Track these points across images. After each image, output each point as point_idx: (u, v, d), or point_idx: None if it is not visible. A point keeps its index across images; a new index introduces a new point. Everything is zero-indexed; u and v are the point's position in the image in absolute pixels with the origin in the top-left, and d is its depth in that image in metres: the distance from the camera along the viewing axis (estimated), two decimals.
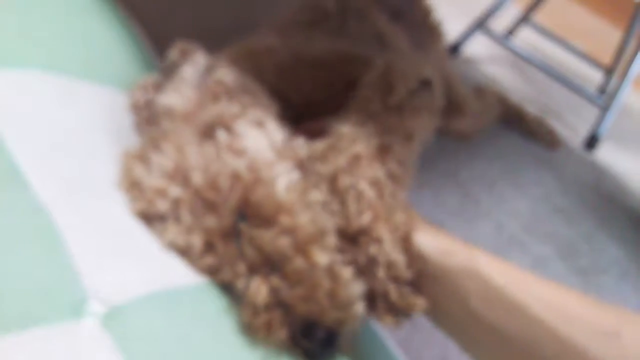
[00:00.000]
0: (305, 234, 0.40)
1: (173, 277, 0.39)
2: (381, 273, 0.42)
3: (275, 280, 0.39)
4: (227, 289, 0.42)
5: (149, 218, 0.42)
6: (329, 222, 0.43)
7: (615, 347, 0.37)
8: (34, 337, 0.30)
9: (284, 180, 0.42)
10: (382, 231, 0.44)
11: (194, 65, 0.49)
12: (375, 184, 0.47)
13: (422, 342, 0.81)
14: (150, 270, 0.39)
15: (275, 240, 0.40)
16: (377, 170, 0.48)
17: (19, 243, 0.34)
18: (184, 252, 0.41)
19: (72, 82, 0.49)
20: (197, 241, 0.40)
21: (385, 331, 0.59)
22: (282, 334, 0.38)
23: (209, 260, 0.41)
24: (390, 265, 0.43)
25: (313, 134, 0.52)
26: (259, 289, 0.39)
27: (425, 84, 0.60)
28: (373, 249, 0.43)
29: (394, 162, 0.51)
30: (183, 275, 0.40)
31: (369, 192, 0.46)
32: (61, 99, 0.46)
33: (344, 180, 0.47)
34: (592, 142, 1.57)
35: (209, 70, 0.49)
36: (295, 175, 0.44)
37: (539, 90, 1.75)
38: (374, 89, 0.57)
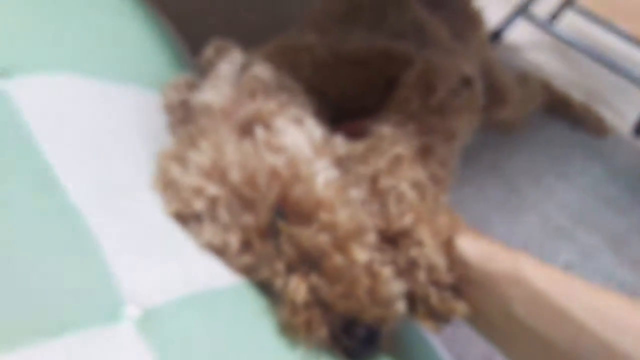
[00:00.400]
0: (344, 230, 0.39)
1: (209, 279, 0.39)
2: (422, 276, 0.41)
3: (315, 278, 0.38)
4: (265, 288, 0.41)
5: (185, 218, 0.41)
6: (369, 220, 0.42)
7: None
8: (71, 343, 0.30)
9: (322, 177, 0.42)
10: (424, 234, 0.42)
11: (230, 63, 0.49)
12: (416, 185, 0.46)
13: (466, 340, 0.79)
14: (186, 271, 0.38)
15: (314, 237, 0.39)
16: (418, 172, 0.47)
17: (53, 247, 0.34)
18: (221, 251, 0.41)
19: (105, 84, 0.49)
20: (234, 240, 0.40)
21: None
22: (322, 332, 0.38)
23: (247, 259, 0.40)
24: (431, 269, 0.41)
25: (352, 135, 0.51)
26: (298, 287, 0.38)
27: (466, 82, 0.58)
28: (414, 252, 0.42)
29: (435, 163, 0.50)
30: (220, 276, 0.39)
31: (411, 194, 0.45)
32: (94, 101, 0.47)
33: (385, 182, 0.46)
34: None
35: (245, 67, 0.49)
36: (333, 172, 0.43)
37: (585, 75, 1.68)
38: (413, 89, 0.56)
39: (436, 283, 0.42)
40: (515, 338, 0.42)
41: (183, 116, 0.52)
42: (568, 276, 0.42)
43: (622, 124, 1.51)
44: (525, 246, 1.01)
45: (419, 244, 0.42)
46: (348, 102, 0.61)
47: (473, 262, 0.43)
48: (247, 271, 0.41)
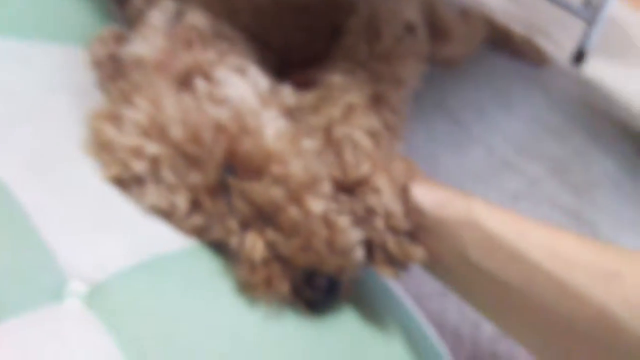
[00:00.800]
0: (298, 182, 0.38)
1: (158, 244, 0.37)
2: (379, 223, 0.41)
3: (271, 233, 0.37)
4: (219, 248, 0.40)
5: (125, 182, 0.39)
6: (323, 170, 0.41)
7: (617, 288, 0.36)
8: (15, 326, 0.29)
9: (272, 128, 0.40)
10: (381, 181, 0.42)
11: (162, 11, 0.45)
12: (371, 133, 0.46)
13: (422, 276, 0.81)
14: (131, 240, 0.36)
15: (267, 191, 0.37)
16: (372, 120, 0.47)
17: None
18: (168, 214, 0.39)
19: (21, 43, 0.45)
20: (181, 201, 0.37)
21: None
22: (283, 287, 0.37)
23: (197, 219, 0.38)
24: (388, 216, 0.41)
25: (300, 85, 0.49)
26: (255, 244, 0.37)
27: (409, 28, 0.57)
28: (371, 199, 0.41)
29: (387, 111, 0.49)
30: (168, 241, 0.38)
31: (366, 142, 0.44)
32: (11, 63, 0.42)
33: (339, 131, 0.45)
34: (579, 57, 1.53)
35: (178, 15, 0.45)
36: (283, 123, 0.41)
37: (523, 8, 1.69)
38: (360, 36, 0.54)
39: (393, 229, 0.41)
40: (472, 282, 0.43)
41: (112, 71, 0.48)
42: (520, 217, 0.42)
43: (561, 53, 1.55)
44: (474, 179, 1.04)
45: (376, 191, 0.41)
46: (293, 52, 0.59)
47: (428, 209, 0.43)
48: (198, 232, 0.39)
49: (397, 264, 0.42)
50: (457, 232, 0.42)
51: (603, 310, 0.36)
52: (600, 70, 1.55)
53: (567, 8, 1.55)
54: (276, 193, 0.37)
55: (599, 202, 1.10)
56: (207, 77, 0.42)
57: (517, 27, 1.48)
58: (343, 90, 0.48)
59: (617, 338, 0.35)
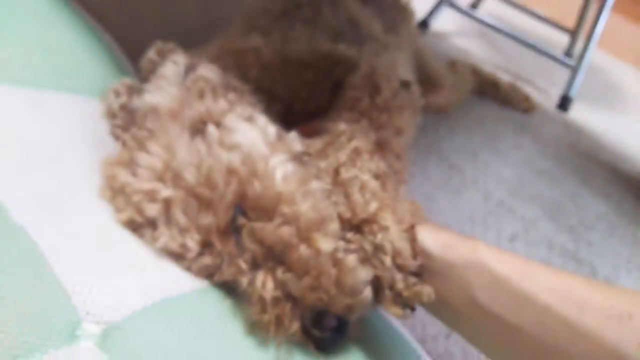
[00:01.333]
0: (307, 221, 0.39)
1: (169, 286, 0.38)
2: (388, 261, 0.42)
3: (281, 273, 0.38)
4: (229, 289, 0.40)
5: (138, 226, 0.40)
6: (331, 209, 0.42)
7: (630, 329, 0.37)
8: None
9: (280, 171, 0.41)
10: (388, 220, 0.43)
11: (175, 64, 0.48)
12: (377, 176, 0.47)
13: (426, 317, 0.81)
14: (144, 281, 0.37)
15: (278, 231, 0.38)
16: (378, 163, 0.49)
17: (3, 270, 0.32)
18: (179, 255, 0.39)
19: (40, 94, 0.47)
20: (192, 242, 0.39)
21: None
22: (293, 326, 0.37)
23: (207, 260, 0.39)
24: (396, 254, 0.42)
25: (307, 135, 0.52)
26: (266, 283, 0.37)
27: (405, 85, 0.62)
28: (379, 237, 0.42)
29: (391, 156, 0.52)
30: (180, 282, 0.38)
31: (373, 183, 0.46)
32: (30, 112, 0.44)
33: (347, 173, 0.46)
34: (564, 103, 1.58)
35: (190, 68, 0.47)
36: (291, 167, 0.43)
37: (509, 58, 1.76)
38: (361, 90, 0.58)
39: (402, 268, 0.42)
40: (480, 325, 0.43)
41: (126, 121, 0.50)
42: (526, 260, 0.43)
43: (547, 100, 1.60)
44: (471, 221, 1.05)
45: (384, 229, 0.42)
46: (298, 103, 0.62)
47: (434, 252, 0.44)
48: (208, 272, 0.40)
49: (405, 303, 0.42)
50: (464, 274, 0.43)
51: (616, 351, 0.36)
52: (585, 114, 1.60)
53: (551, 57, 1.62)
54: (286, 232, 0.38)
55: (595, 242, 1.11)
56: (219, 124, 0.43)
57: (504, 75, 1.54)
58: (349, 136, 0.50)
59: None
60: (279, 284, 0.37)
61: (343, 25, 0.78)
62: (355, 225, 0.43)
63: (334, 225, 0.41)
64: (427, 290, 0.42)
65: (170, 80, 0.46)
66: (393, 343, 0.54)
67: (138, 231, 0.40)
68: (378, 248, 0.42)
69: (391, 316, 0.45)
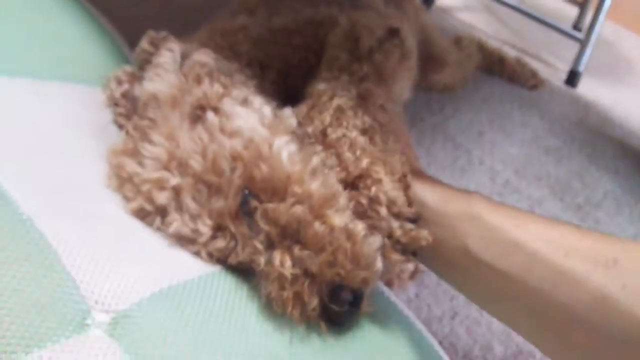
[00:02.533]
0: (318, 199, 0.40)
1: (177, 272, 0.38)
2: (383, 211, 0.43)
3: (298, 250, 0.38)
4: (238, 274, 0.41)
5: (147, 214, 0.40)
6: (338, 184, 0.43)
7: (615, 274, 0.38)
8: (42, 357, 0.29)
9: (285, 153, 0.42)
10: (380, 172, 0.45)
11: (170, 52, 0.48)
12: (364, 131, 0.48)
13: (431, 298, 0.82)
14: (151, 268, 0.37)
15: (291, 210, 0.39)
16: (363, 118, 0.50)
17: (10, 260, 0.32)
18: (191, 240, 0.40)
19: (42, 84, 0.47)
20: (204, 227, 0.39)
21: (394, 291, 0.59)
22: (312, 302, 0.38)
23: (220, 243, 0.40)
24: (391, 203, 0.44)
25: None
26: (284, 261, 0.38)
27: (393, 32, 0.61)
28: (374, 189, 0.44)
29: (375, 108, 0.52)
30: (187, 269, 0.39)
31: (361, 139, 0.47)
32: (33, 103, 0.44)
33: (334, 133, 0.48)
34: (572, 78, 1.56)
35: (185, 55, 0.48)
36: (293, 146, 0.44)
37: (516, 32, 1.73)
38: (340, 46, 0.58)
39: (397, 216, 0.44)
40: (474, 275, 0.45)
41: (128, 109, 0.50)
42: (520, 210, 0.45)
43: (554, 75, 1.58)
44: None
45: (377, 182, 0.44)
46: (293, 69, 0.63)
47: (430, 204, 0.46)
48: (222, 255, 0.41)
49: (404, 250, 0.44)
50: (458, 225, 0.44)
51: (601, 295, 0.37)
52: (594, 90, 1.58)
53: (559, 30, 1.59)
54: (300, 211, 0.39)
55: (602, 220, 1.11)
56: (216, 109, 0.44)
57: (510, 51, 1.52)
58: (330, 95, 0.51)
59: (614, 323, 0.36)
60: (297, 261, 0.38)
61: None
62: (350, 183, 0.45)
63: (343, 199, 0.42)
64: (423, 234, 0.44)
65: (168, 68, 0.46)
66: (398, 325, 0.55)
67: (146, 219, 0.41)
68: (373, 200, 0.43)
69: (392, 264, 0.46)
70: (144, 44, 0.51)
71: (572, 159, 1.26)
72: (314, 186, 0.41)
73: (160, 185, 0.40)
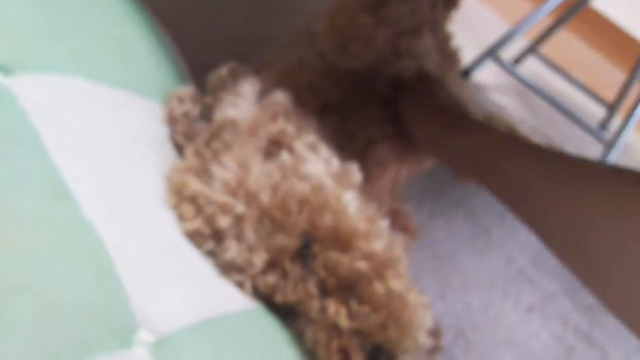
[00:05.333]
0: (381, 259, 0.40)
1: (222, 304, 0.37)
2: None
3: (355, 305, 0.38)
4: (281, 313, 0.40)
5: (202, 236, 0.40)
6: (401, 251, 0.43)
7: None
8: None
9: (352, 207, 0.42)
10: None
11: (250, 85, 0.48)
12: None
13: None
14: (200, 295, 0.37)
15: (354, 264, 0.39)
16: None
17: (69, 264, 0.32)
18: (241, 270, 0.40)
19: (112, 91, 0.47)
20: (258, 260, 0.39)
21: None
22: (357, 358, 0.37)
23: (271, 278, 0.40)
24: None
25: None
26: (339, 312, 0.38)
27: None
28: None
29: None
30: (232, 302, 0.38)
31: None
32: (104, 108, 0.44)
33: None
34: None
35: (264, 91, 0.48)
36: (359, 202, 0.43)
37: (543, 121, 1.76)
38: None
39: None
40: None
41: (186, 129, 0.50)
42: None
43: None
44: (491, 285, 1.04)
45: None
46: (353, 112, 0.63)
47: None
48: (268, 291, 0.40)
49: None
50: None
51: None
52: None
53: (586, 127, 1.61)
54: (363, 266, 0.39)
55: (610, 325, 1.09)
56: (290, 149, 0.44)
57: (535, 137, 1.54)
58: None
59: None
60: (353, 316, 0.38)
61: None
62: None
63: (403, 266, 0.41)
64: None
65: (249, 98, 0.47)
66: None
67: (200, 241, 0.41)
68: None
69: None
70: (224, 71, 0.52)
71: None
72: (379, 246, 0.40)
73: (225, 210, 0.39)
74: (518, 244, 1.16)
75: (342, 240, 0.40)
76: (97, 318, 0.30)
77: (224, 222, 0.39)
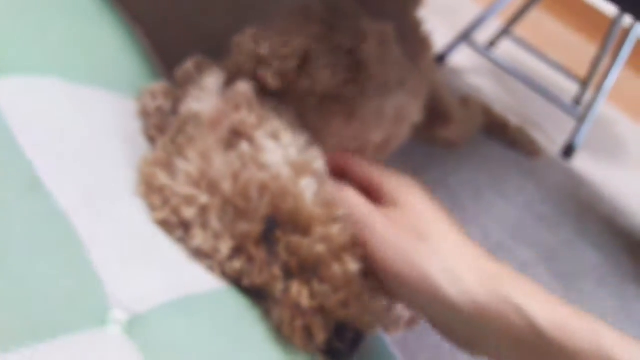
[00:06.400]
0: (338, 242, 0.42)
1: (193, 284, 0.40)
2: None
3: (317, 285, 0.40)
4: (248, 294, 0.42)
5: (171, 225, 0.42)
6: (357, 235, 0.44)
7: None
8: (65, 345, 0.30)
9: (309, 193, 0.44)
10: None
11: (214, 77, 0.50)
12: None
13: (417, 344, 0.83)
14: (170, 277, 0.39)
15: (314, 247, 0.41)
16: None
17: (42, 251, 0.34)
18: (209, 256, 0.42)
19: (84, 88, 0.49)
20: (224, 246, 0.41)
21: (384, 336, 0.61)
22: (321, 336, 0.40)
23: (237, 264, 0.42)
24: None
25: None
26: (301, 292, 0.40)
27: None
28: None
29: None
30: (203, 282, 0.40)
31: None
32: (76, 106, 0.46)
33: None
34: (568, 151, 1.62)
35: (228, 82, 0.50)
36: (315, 189, 0.45)
37: (519, 100, 1.80)
38: None
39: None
40: None
41: (159, 122, 0.53)
42: None
43: (552, 146, 1.63)
44: None
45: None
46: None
47: (548, 332, 0.36)
48: (237, 275, 0.42)
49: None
50: None
51: None
52: (588, 165, 1.63)
53: (560, 105, 1.65)
54: (321, 249, 0.41)
55: (585, 291, 1.14)
56: (250, 139, 0.46)
57: (513, 118, 1.58)
58: None
59: None
60: (315, 295, 0.40)
61: None
62: None
63: (360, 249, 0.43)
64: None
65: (212, 91, 0.49)
66: None
67: (169, 230, 0.43)
68: None
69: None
70: (189, 65, 0.53)
71: (562, 229, 1.30)
72: (335, 230, 0.42)
73: (189, 201, 0.42)
74: (494, 218, 1.21)
75: (302, 225, 0.42)
76: (72, 300, 0.33)
77: (188, 212, 0.41)
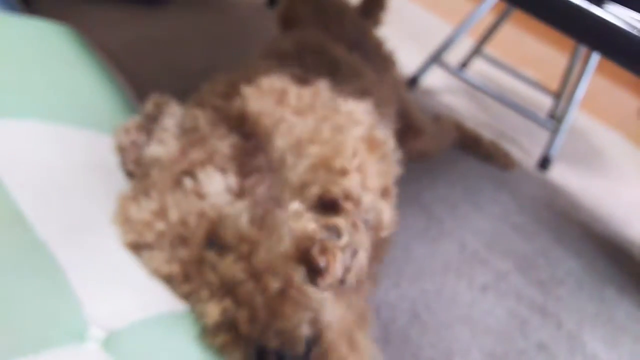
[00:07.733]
0: (260, 261, 0.43)
1: (163, 303, 0.44)
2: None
3: (227, 303, 0.42)
4: None
5: (139, 248, 0.47)
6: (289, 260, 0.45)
7: None
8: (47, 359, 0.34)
9: (245, 216, 0.47)
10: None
11: (172, 116, 0.55)
12: None
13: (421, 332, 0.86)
14: (143, 297, 0.43)
15: (230, 266, 0.43)
16: None
17: (25, 277, 0.38)
18: (167, 279, 0.46)
19: (64, 128, 0.54)
20: (176, 270, 0.45)
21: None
22: (236, 355, 0.41)
23: (186, 288, 0.45)
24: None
25: None
26: (210, 311, 0.42)
27: None
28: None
29: None
30: (171, 301, 0.44)
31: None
32: (57, 144, 0.51)
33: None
34: (544, 163, 1.67)
35: (184, 118, 0.56)
36: (250, 213, 0.48)
37: (494, 116, 1.86)
38: None
39: None
40: None
41: (134, 156, 0.57)
42: None
43: (527, 159, 1.69)
44: (445, 269, 1.11)
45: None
46: None
47: None
48: (187, 298, 0.45)
49: None
50: None
51: None
52: (564, 175, 1.68)
53: (533, 119, 1.71)
54: (237, 268, 0.43)
55: (564, 297, 1.17)
56: (193, 176, 0.51)
57: (487, 133, 1.63)
58: None
59: None
60: (223, 313, 0.41)
61: (323, 67, 0.86)
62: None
63: (289, 269, 0.44)
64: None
65: (170, 132, 0.54)
66: None
67: (138, 252, 0.47)
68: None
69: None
70: (149, 106, 0.59)
71: (538, 237, 1.34)
72: (261, 249, 0.44)
73: (148, 225, 0.47)
74: (470, 230, 1.25)
75: (231, 245, 0.45)
76: (53, 319, 0.36)
77: (149, 235, 0.46)
